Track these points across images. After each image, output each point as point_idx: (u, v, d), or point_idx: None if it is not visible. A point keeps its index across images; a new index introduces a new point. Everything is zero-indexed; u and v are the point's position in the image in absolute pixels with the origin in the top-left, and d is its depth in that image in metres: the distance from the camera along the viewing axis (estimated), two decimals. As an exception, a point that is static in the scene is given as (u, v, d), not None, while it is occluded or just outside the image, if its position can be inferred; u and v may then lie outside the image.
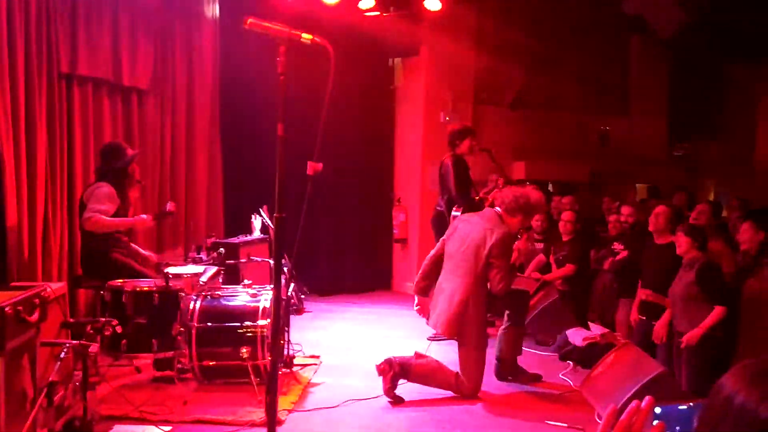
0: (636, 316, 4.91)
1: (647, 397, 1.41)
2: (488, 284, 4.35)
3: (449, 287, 4.38)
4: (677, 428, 1.32)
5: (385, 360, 4.25)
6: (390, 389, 4.22)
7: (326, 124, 3.20)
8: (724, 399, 1.18)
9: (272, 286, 2.42)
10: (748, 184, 9.50)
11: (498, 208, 4.50)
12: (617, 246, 5.81)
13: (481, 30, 7.71)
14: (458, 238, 4.51)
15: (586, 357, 4.89)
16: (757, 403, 1.04)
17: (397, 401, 4.22)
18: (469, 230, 4.46)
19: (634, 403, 1.39)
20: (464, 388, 4.31)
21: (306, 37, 2.06)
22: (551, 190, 9.20)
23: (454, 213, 5.78)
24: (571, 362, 5.09)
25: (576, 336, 5.20)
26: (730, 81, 9.38)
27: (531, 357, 5.39)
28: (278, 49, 2.01)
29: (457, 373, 4.33)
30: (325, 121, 2.08)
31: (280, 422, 3.82)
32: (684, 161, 9.97)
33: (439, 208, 6.09)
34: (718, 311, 4.19)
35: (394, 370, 4.22)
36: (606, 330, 5.22)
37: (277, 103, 2.00)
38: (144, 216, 4.85)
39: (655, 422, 1.29)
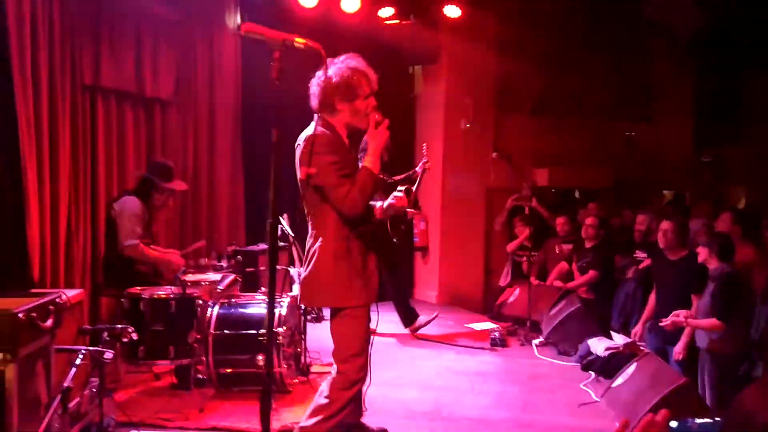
0: (641, 329, 4.96)
1: (662, 410, 1.35)
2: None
3: (307, 243, 3.22)
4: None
5: None
6: None
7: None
8: (745, 416, 1.14)
9: (267, 293, 2.41)
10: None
11: (317, 114, 3.14)
12: (640, 254, 5.71)
13: (502, 36, 7.66)
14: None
15: (609, 367, 4.79)
16: None
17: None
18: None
19: (648, 415, 1.34)
20: (349, 371, 3.13)
21: (299, 41, 2.06)
22: (578, 198, 9.10)
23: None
24: (592, 372, 4.99)
25: (598, 345, 5.10)
26: (756, 83, 9.15)
27: (552, 367, 5.31)
28: (273, 55, 2.01)
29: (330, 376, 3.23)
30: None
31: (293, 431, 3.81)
32: (712, 167, 9.76)
33: None
34: (714, 323, 4.13)
35: None
36: (629, 339, 5.11)
37: (273, 108, 2.01)
38: (175, 256, 4.81)
39: None
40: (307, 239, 3.22)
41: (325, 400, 3.13)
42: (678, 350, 4.51)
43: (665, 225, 4.86)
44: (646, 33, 8.40)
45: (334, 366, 3.21)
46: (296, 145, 3.14)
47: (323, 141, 3.03)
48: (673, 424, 1.25)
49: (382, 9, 7.10)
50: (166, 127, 6.22)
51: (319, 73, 3.10)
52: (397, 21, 7.23)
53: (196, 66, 6.56)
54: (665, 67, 8.96)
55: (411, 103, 8.19)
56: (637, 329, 5.20)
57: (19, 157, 4.15)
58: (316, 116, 3.14)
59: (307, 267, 3.16)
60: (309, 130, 3.09)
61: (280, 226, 6.65)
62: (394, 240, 4.64)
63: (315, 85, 3.13)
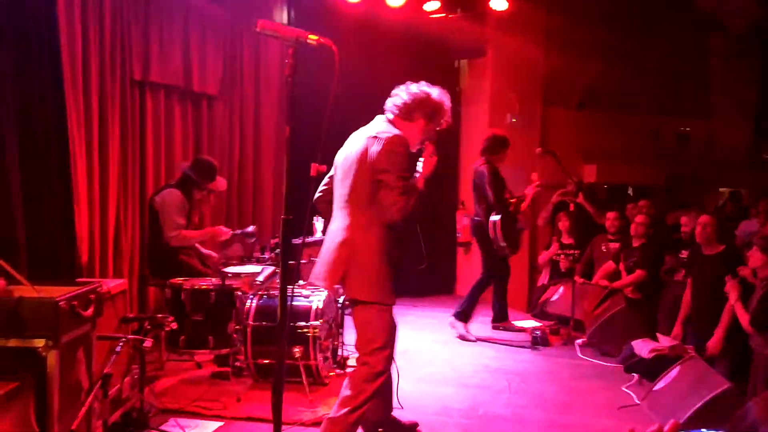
0: (679, 331, 4.82)
1: (671, 420, 1.31)
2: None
3: (333, 227, 3.29)
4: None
5: None
6: None
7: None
8: (749, 425, 1.10)
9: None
10: None
11: (388, 114, 3.36)
12: (686, 254, 5.54)
13: (550, 29, 7.51)
14: (341, 163, 3.35)
15: (652, 369, 4.65)
16: None
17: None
18: (350, 147, 3.31)
19: (655, 425, 1.30)
20: (374, 363, 3.16)
21: (312, 38, 2.08)
22: (631, 194, 8.87)
23: (492, 218, 5.67)
24: (636, 374, 4.85)
25: (642, 347, 4.95)
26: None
27: (594, 368, 5.20)
28: (287, 52, 2.03)
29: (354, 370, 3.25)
30: (328, 122, 2.09)
31: (328, 423, 3.84)
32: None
33: (476, 218, 5.96)
34: (746, 322, 3.97)
35: None
36: (675, 342, 4.94)
37: (287, 104, 2.03)
38: (223, 228, 5.00)
39: None
40: (344, 227, 3.20)
41: (350, 392, 3.15)
42: (712, 344, 4.37)
43: (704, 219, 4.79)
44: (702, 26, 8.09)
45: (358, 359, 3.25)
46: (368, 137, 3.22)
47: (405, 143, 3.18)
48: None
49: (428, 3, 7.05)
50: (212, 121, 6.35)
51: (415, 84, 3.33)
52: (443, 15, 7.17)
53: (242, 61, 6.67)
54: (723, 62, 8.61)
55: (456, 97, 8.11)
56: (676, 330, 5.05)
57: (69, 150, 4.30)
58: (385, 118, 3.34)
59: (350, 256, 3.16)
60: (386, 128, 3.24)
61: (322, 220, 6.74)
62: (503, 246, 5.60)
63: (405, 91, 3.33)
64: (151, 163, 5.54)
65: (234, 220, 6.64)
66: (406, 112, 3.30)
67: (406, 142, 3.19)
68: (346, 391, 3.19)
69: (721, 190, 9.18)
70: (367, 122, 3.51)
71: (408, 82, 3.38)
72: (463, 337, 5.86)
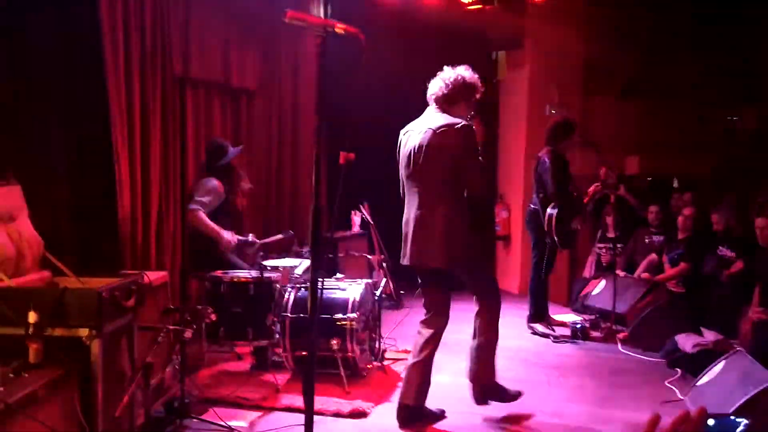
0: (748, 327, 4.64)
1: (699, 406, 1.28)
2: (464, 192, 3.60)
3: (421, 213, 3.62)
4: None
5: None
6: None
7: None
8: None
9: (307, 275, 2.45)
10: None
11: (433, 105, 3.69)
12: (723, 250, 5.40)
13: (590, 16, 7.34)
14: (406, 155, 3.69)
15: (696, 364, 4.53)
16: None
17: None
18: (415, 141, 3.63)
19: (682, 410, 1.28)
20: (493, 308, 3.98)
21: (340, 26, 2.09)
22: (676, 186, 8.64)
23: (549, 211, 5.58)
24: (679, 369, 4.74)
25: (686, 342, 4.84)
26: None
27: (635, 362, 5.10)
28: (316, 41, 2.04)
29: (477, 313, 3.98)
30: (355, 111, 2.09)
31: (365, 414, 3.88)
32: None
33: (533, 206, 5.89)
34: None
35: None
36: (721, 336, 4.80)
37: (317, 93, 2.03)
38: (229, 235, 4.80)
39: None
40: (438, 215, 3.57)
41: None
42: None
43: (761, 222, 4.59)
44: (751, 7, 7.77)
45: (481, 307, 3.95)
46: (436, 130, 3.53)
47: (474, 130, 3.56)
48: (711, 422, 1.17)
49: (465, -5, 6.99)
50: (251, 117, 6.43)
51: (446, 72, 3.66)
52: (480, 6, 7.09)
53: (280, 57, 6.73)
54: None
55: (493, 89, 8.02)
56: (744, 327, 4.88)
57: (112, 147, 4.41)
58: (435, 108, 3.65)
59: (447, 233, 3.56)
60: (450, 120, 3.54)
61: (360, 214, 6.79)
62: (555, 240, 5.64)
63: (441, 81, 3.65)
64: (192, 158, 5.63)
65: (272, 215, 6.72)
66: (449, 99, 3.63)
67: (474, 129, 3.57)
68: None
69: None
70: (405, 112, 3.79)
71: (439, 72, 3.68)
72: (545, 335, 5.82)
